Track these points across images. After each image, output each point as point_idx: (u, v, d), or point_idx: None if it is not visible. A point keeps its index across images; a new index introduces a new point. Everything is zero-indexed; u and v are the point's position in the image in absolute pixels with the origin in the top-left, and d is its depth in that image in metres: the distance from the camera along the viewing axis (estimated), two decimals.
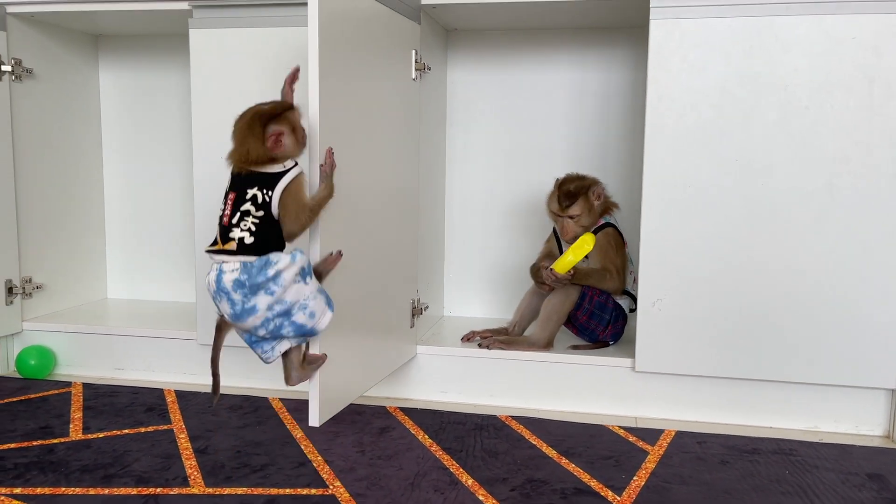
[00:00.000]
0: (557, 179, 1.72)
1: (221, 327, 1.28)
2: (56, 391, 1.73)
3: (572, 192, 1.67)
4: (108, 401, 1.67)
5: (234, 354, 1.80)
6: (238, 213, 1.21)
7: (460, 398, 1.72)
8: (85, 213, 2.14)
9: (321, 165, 1.26)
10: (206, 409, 1.62)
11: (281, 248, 1.24)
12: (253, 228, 1.21)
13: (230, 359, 1.80)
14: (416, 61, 1.62)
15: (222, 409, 1.62)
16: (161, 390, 1.74)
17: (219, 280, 1.21)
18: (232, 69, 1.68)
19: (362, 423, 1.54)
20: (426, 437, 1.47)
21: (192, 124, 1.72)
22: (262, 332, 1.24)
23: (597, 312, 1.69)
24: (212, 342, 1.30)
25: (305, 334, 1.26)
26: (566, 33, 1.94)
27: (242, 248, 1.20)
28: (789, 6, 1.47)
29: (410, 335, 1.69)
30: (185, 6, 1.73)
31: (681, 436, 1.51)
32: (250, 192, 1.21)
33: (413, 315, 1.69)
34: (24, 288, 1.89)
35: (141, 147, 2.20)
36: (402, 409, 1.63)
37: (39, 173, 1.95)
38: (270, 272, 1.20)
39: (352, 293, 1.38)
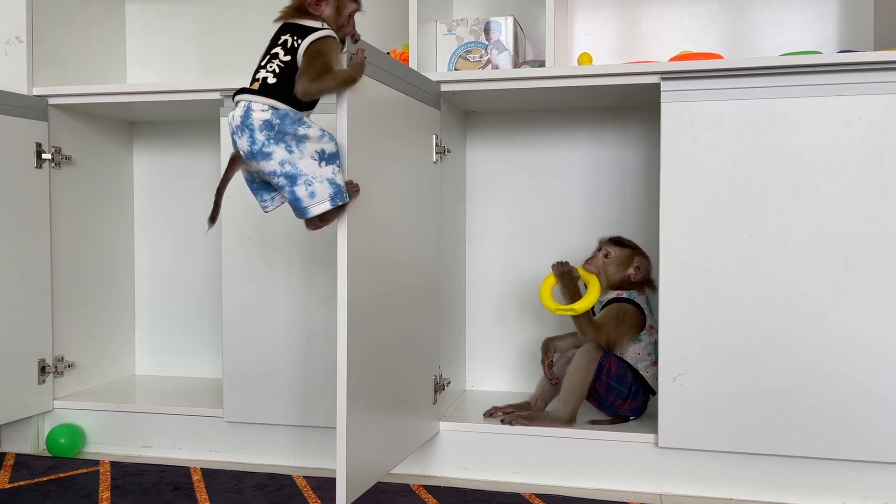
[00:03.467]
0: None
1: (235, 161, 1.30)
2: (84, 470, 1.75)
3: (626, 242, 1.78)
4: (135, 479, 1.69)
5: (256, 431, 1.82)
6: (268, 57, 1.28)
7: (483, 475, 1.72)
8: (115, 290, 2.21)
9: (352, 55, 1.28)
10: (232, 487, 1.63)
11: (298, 103, 1.25)
12: (277, 70, 1.25)
13: (254, 435, 1.82)
14: (436, 145, 1.68)
15: (247, 488, 1.63)
16: (188, 468, 1.76)
17: (246, 115, 1.24)
18: None
19: (386, 503, 1.54)
20: None
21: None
22: (267, 179, 1.27)
23: (614, 385, 1.70)
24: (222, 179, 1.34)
25: (297, 209, 1.27)
26: (581, 113, 2.01)
27: (264, 88, 1.25)
28: (794, 88, 1.52)
29: (433, 411, 1.71)
30: (216, 96, 1.82)
31: None
32: (282, 38, 1.28)
33: (435, 391, 1.71)
34: (56, 366, 1.94)
35: (171, 226, 2.28)
36: (426, 487, 1.63)
37: (74, 253, 2.02)
38: (301, 131, 1.24)
39: (375, 369, 1.41)
